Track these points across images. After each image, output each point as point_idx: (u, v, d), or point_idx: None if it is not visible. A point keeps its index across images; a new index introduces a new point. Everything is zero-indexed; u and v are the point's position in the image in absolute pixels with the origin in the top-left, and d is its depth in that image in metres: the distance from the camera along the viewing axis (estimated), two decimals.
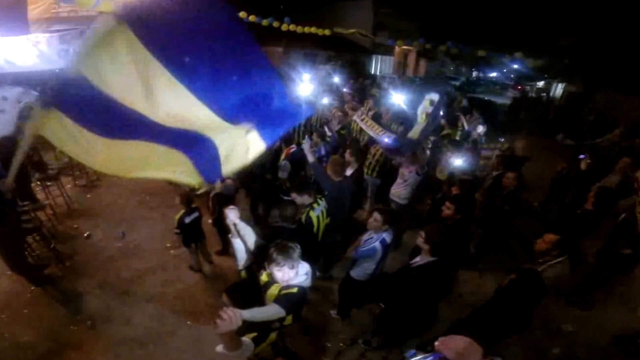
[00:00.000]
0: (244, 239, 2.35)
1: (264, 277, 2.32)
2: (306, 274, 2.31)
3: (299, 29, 8.20)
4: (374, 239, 3.08)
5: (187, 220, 4.02)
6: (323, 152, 5.32)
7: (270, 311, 2.06)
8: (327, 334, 3.63)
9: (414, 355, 2.19)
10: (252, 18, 8.23)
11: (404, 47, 18.68)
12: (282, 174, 4.70)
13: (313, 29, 8.21)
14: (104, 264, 4.51)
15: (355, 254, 3.17)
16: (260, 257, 2.28)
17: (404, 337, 3.18)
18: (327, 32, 8.17)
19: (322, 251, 3.92)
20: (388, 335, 3.29)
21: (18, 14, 6.18)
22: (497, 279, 3.76)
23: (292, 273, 2.18)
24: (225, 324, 1.57)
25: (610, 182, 5.00)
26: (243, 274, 2.31)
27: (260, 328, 2.11)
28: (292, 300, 2.14)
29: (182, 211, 4.02)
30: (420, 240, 2.75)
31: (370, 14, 20.63)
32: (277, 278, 2.18)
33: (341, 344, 3.50)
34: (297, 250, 2.19)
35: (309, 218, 3.39)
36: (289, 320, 2.27)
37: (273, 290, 2.20)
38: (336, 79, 12.17)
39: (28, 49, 6.01)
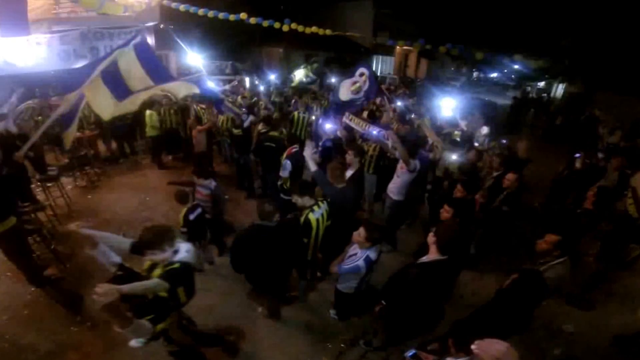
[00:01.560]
0: (110, 242, 2.52)
1: (147, 263, 2.44)
2: (187, 251, 2.45)
3: (300, 29, 8.21)
4: (358, 257, 2.99)
5: (192, 217, 3.98)
6: (327, 143, 5.68)
7: (151, 283, 2.19)
8: (327, 334, 3.64)
9: (414, 354, 2.19)
10: (252, 20, 8.25)
11: (405, 47, 18.71)
12: (283, 173, 4.71)
13: (314, 29, 8.21)
14: (104, 265, 4.50)
15: (338, 270, 3.10)
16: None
17: (406, 336, 3.17)
18: (327, 32, 8.18)
19: (322, 252, 3.92)
20: (390, 335, 3.27)
21: (18, 15, 6.19)
22: (497, 279, 3.76)
23: (168, 254, 2.34)
24: (101, 298, 1.69)
25: (610, 181, 5.00)
26: (114, 270, 2.49)
27: (156, 309, 2.23)
28: (173, 273, 2.25)
29: (185, 208, 3.98)
30: (431, 238, 2.70)
31: (370, 14, 20.65)
32: (156, 261, 2.35)
33: (342, 345, 3.50)
34: (169, 234, 2.35)
35: (307, 220, 3.38)
36: (182, 297, 2.38)
37: (157, 271, 2.32)
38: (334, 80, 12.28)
39: (28, 50, 6.02)
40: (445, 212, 3.47)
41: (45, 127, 4.25)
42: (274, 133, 5.63)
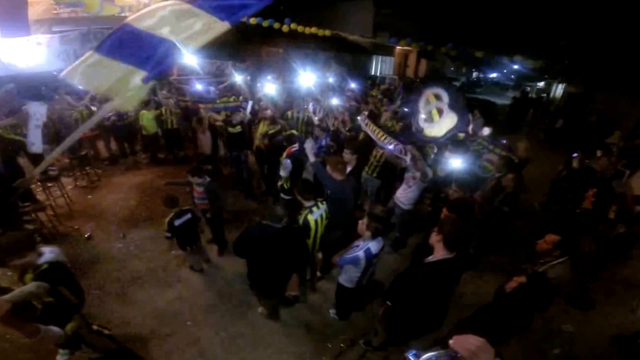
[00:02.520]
0: None
1: (17, 272, 2.66)
2: (51, 252, 2.71)
3: (300, 29, 8.21)
4: (359, 248, 3.03)
5: (178, 222, 3.93)
6: (324, 142, 5.64)
7: (28, 287, 2.39)
8: (327, 334, 3.64)
9: (416, 355, 2.20)
10: (253, 20, 8.26)
11: (405, 47, 18.74)
12: (284, 172, 4.72)
13: (314, 29, 8.22)
14: (104, 264, 4.52)
15: (339, 261, 3.13)
16: None
17: (409, 336, 3.17)
18: (327, 32, 8.19)
19: (322, 251, 3.92)
20: (392, 335, 3.26)
21: (19, 15, 6.20)
22: (497, 279, 3.75)
23: (32, 259, 2.60)
24: None
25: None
26: None
27: (51, 314, 2.48)
28: (44, 273, 2.48)
29: (172, 213, 3.95)
30: (435, 237, 2.67)
31: (370, 14, 20.62)
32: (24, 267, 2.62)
33: (342, 345, 3.51)
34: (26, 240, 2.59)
35: (306, 221, 3.38)
36: (69, 296, 2.63)
37: (29, 276, 2.54)
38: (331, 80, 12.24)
39: (29, 51, 6.03)
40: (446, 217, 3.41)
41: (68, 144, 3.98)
42: (292, 131, 5.82)
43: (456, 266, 2.67)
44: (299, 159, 4.85)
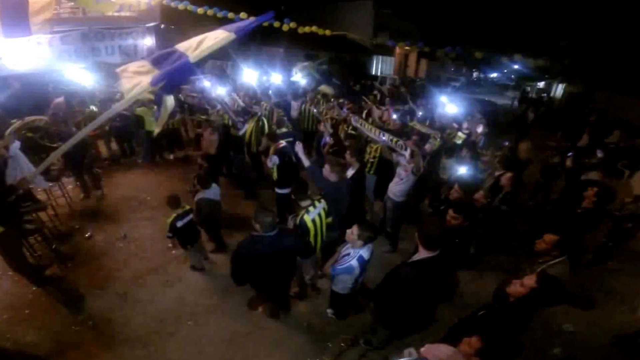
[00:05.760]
0: None
1: None
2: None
3: (300, 29, 8.21)
4: (351, 256, 2.98)
5: (180, 224, 3.98)
6: (326, 140, 5.78)
7: None
8: (327, 333, 3.65)
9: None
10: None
11: (405, 47, 18.76)
12: (269, 164, 4.81)
13: (314, 28, 8.23)
14: (105, 264, 4.53)
15: (332, 271, 3.09)
16: None
17: (406, 332, 3.18)
18: (327, 32, 8.20)
19: (321, 250, 3.93)
20: (392, 330, 3.26)
21: (20, 16, 6.20)
22: (497, 279, 3.75)
23: None
24: None
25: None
26: None
27: None
28: None
29: (174, 214, 3.97)
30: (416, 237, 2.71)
31: (370, 14, 20.68)
32: None
33: (342, 344, 3.51)
34: None
35: (302, 221, 3.39)
36: None
37: None
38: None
39: (30, 51, 6.04)
40: (454, 220, 3.34)
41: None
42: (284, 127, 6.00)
43: (441, 264, 2.69)
44: (286, 155, 4.91)
